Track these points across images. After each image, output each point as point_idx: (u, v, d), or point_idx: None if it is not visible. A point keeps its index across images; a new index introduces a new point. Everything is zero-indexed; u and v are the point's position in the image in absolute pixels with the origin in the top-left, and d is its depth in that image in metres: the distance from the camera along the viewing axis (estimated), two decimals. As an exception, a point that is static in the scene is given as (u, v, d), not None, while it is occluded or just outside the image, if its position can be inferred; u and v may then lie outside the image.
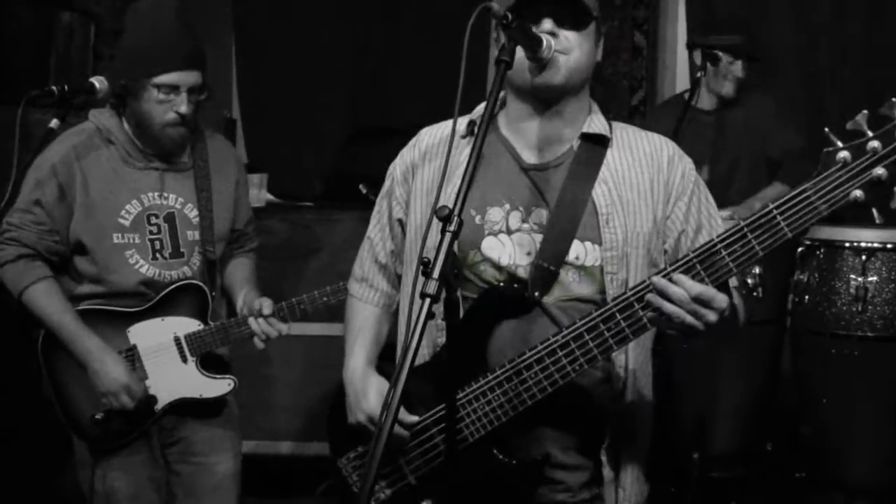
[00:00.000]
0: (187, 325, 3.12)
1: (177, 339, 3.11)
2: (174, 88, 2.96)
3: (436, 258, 1.74)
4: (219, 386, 3.15)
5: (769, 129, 4.43)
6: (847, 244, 3.94)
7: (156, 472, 3.17)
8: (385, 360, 2.39)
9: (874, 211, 1.88)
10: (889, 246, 3.89)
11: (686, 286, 1.91)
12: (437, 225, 1.79)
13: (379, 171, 2.43)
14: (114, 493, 3.07)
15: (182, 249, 3.11)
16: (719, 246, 1.94)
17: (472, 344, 2.13)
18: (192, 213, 3.13)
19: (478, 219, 2.17)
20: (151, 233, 3.07)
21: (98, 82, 2.93)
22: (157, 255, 3.08)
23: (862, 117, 1.88)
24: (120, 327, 3.07)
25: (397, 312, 2.43)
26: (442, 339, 2.19)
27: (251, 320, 3.11)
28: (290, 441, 4.57)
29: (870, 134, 1.87)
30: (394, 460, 2.21)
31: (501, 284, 2.16)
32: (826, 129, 1.91)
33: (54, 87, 2.84)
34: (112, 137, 3.06)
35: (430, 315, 1.71)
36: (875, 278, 3.88)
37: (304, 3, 5.81)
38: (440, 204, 1.81)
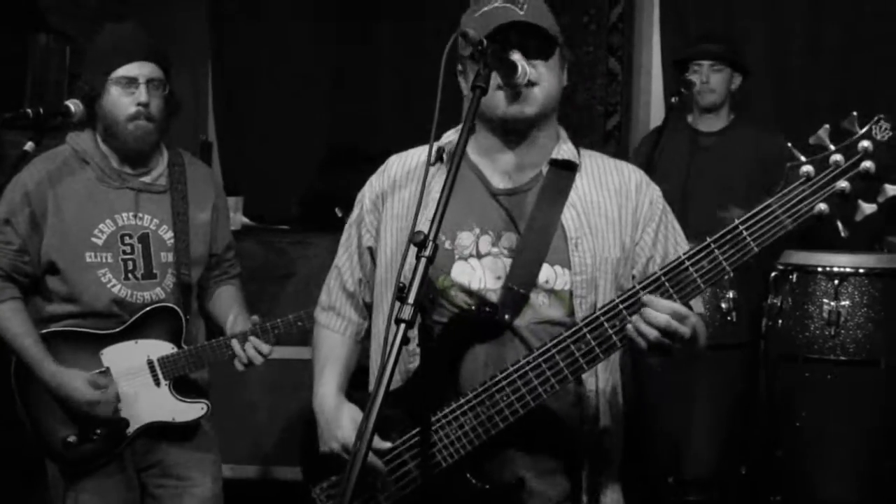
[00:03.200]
0: (161, 348, 3.10)
1: (150, 363, 3.09)
2: (132, 81, 2.98)
3: (411, 284, 1.74)
4: (191, 410, 3.13)
5: (778, 175, 4.36)
6: (820, 269, 3.97)
7: (129, 495, 3.14)
8: (354, 388, 2.38)
9: (839, 224, 1.91)
10: (861, 271, 3.92)
11: (661, 306, 1.93)
12: (412, 250, 1.79)
13: (355, 194, 2.43)
14: None
15: (155, 271, 3.09)
16: (687, 263, 1.95)
17: (444, 368, 2.13)
18: (167, 234, 3.12)
19: (448, 244, 2.18)
20: (125, 252, 3.06)
21: (73, 105, 2.94)
22: (130, 275, 3.06)
23: (824, 131, 1.91)
24: (93, 349, 3.05)
25: (365, 339, 2.42)
26: (414, 365, 2.18)
27: (234, 342, 3.08)
28: (261, 465, 4.54)
29: (832, 148, 1.90)
30: (368, 487, 2.20)
31: (472, 308, 2.16)
32: (789, 144, 1.94)
33: (29, 110, 2.84)
34: (87, 158, 3.06)
35: (406, 340, 1.72)
36: (847, 302, 3.90)
37: (281, 26, 5.83)
38: (413, 229, 1.82)
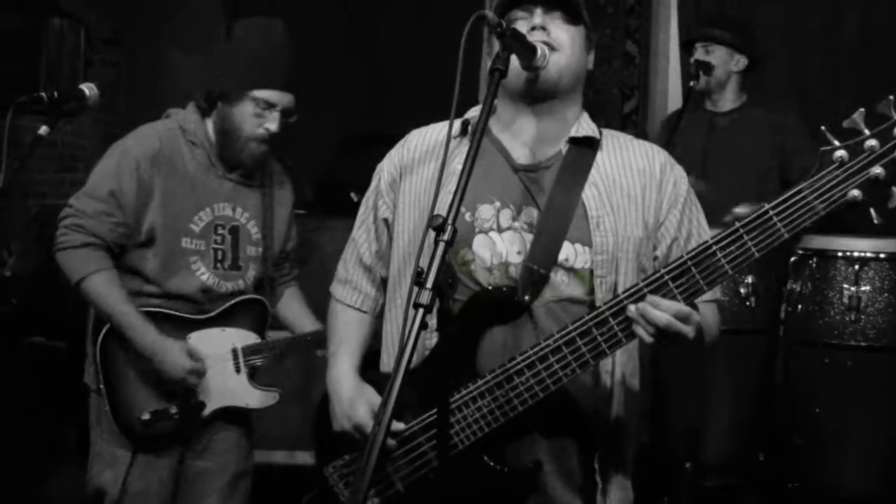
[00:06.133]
0: (245, 337, 3.19)
1: (234, 350, 3.17)
2: (271, 105, 3.03)
3: (429, 268, 1.72)
4: (266, 397, 3.24)
5: (792, 149, 4.36)
6: (840, 253, 3.93)
7: (171, 473, 3.19)
8: (368, 368, 2.36)
9: (872, 211, 1.87)
10: (882, 256, 3.88)
11: (664, 307, 1.91)
12: (431, 234, 1.77)
13: (370, 179, 2.41)
14: (125, 495, 3.09)
15: (240, 263, 3.18)
16: (715, 248, 1.92)
17: (462, 349, 2.10)
18: (255, 229, 3.20)
19: (468, 216, 2.15)
20: (216, 242, 3.14)
21: (88, 89, 2.93)
22: (218, 265, 3.14)
23: (859, 115, 1.86)
24: (180, 332, 3.10)
25: (380, 316, 2.41)
26: (431, 342, 2.15)
27: None
28: (276, 450, 4.54)
29: (867, 132, 1.85)
30: (381, 468, 2.19)
31: (491, 288, 2.13)
32: (822, 128, 1.89)
33: (43, 94, 2.83)
34: (195, 140, 3.10)
35: (424, 325, 1.69)
36: (868, 288, 3.87)
37: (295, 10, 5.80)
38: (434, 210, 1.80)
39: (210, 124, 3.12)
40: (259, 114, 3.02)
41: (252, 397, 3.21)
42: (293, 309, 3.42)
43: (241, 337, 3.19)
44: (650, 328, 1.92)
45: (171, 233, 3.06)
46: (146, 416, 3.04)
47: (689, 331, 1.92)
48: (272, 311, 3.35)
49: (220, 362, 3.14)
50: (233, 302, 3.16)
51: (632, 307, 1.94)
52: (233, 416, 3.22)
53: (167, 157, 3.06)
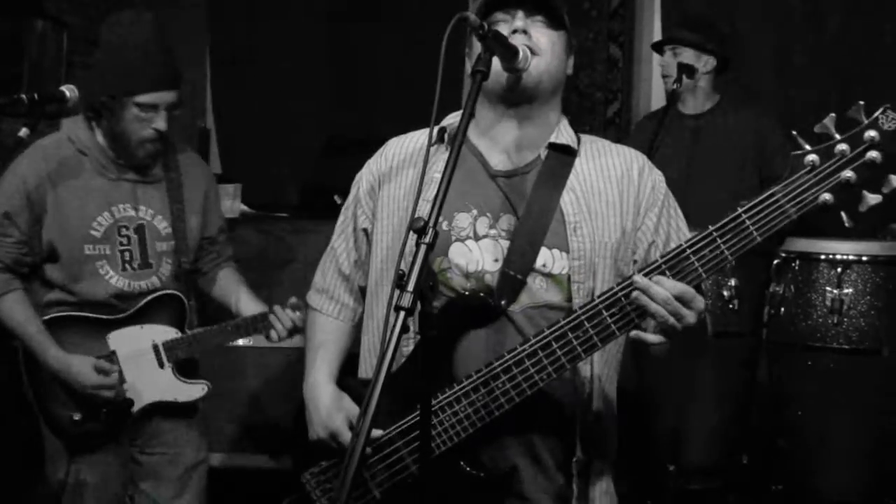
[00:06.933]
0: (165, 332, 3.19)
1: (154, 346, 3.18)
2: (153, 107, 3.01)
3: (410, 270, 1.72)
4: (193, 390, 3.25)
5: (770, 149, 4.38)
6: (823, 256, 3.95)
7: (123, 469, 3.25)
8: (344, 374, 2.36)
9: (843, 214, 1.89)
10: (864, 258, 3.89)
11: (667, 286, 1.90)
12: (412, 237, 1.77)
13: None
14: (83, 486, 3.14)
15: (150, 261, 3.18)
16: (689, 251, 1.93)
17: (439, 354, 2.10)
18: (162, 224, 3.19)
19: (445, 225, 2.15)
20: (121, 244, 3.13)
21: (69, 91, 2.93)
22: (127, 266, 3.14)
23: (830, 120, 1.88)
24: (100, 333, 3.14)
25: (359, 326, 2.40)
26: (408, 349, 2.15)
27: (274, 314, 3.16)
28: (252, 454, 4.52)
29: (837, 137, 1.87)
30: (357, 474, 2.18)
31: (467, 293, 2.13)
32: (794, 133, 1.91)
33: (24, 96, 2.82)
34: (84, 149, 3.10)
35: (405, 328, 1.69)
36: (850, 290, 3.88)
37: (279, 13, 5.80)
38: (414, 214, 1.79)
39: (98, 131, 3.11)
40: (144, 117, 3.01)
41: (179, 391, 3.23)
42: (230, 290, 3.40)
43: (161, 332, 3.20)
44: (658, 308, 1.88)
45: (71, 243, 3.08)
46: (77, 417, 3.09)
47: (691, 316, 1.89)
48: (212, 296, 3.40)
49: (142, 359, 3.17)
50: (148, 299, 3.17)
51: (636, 293, 1.91)
52: (176, 409, 3.24)
53: (56, 170, 3.07)
